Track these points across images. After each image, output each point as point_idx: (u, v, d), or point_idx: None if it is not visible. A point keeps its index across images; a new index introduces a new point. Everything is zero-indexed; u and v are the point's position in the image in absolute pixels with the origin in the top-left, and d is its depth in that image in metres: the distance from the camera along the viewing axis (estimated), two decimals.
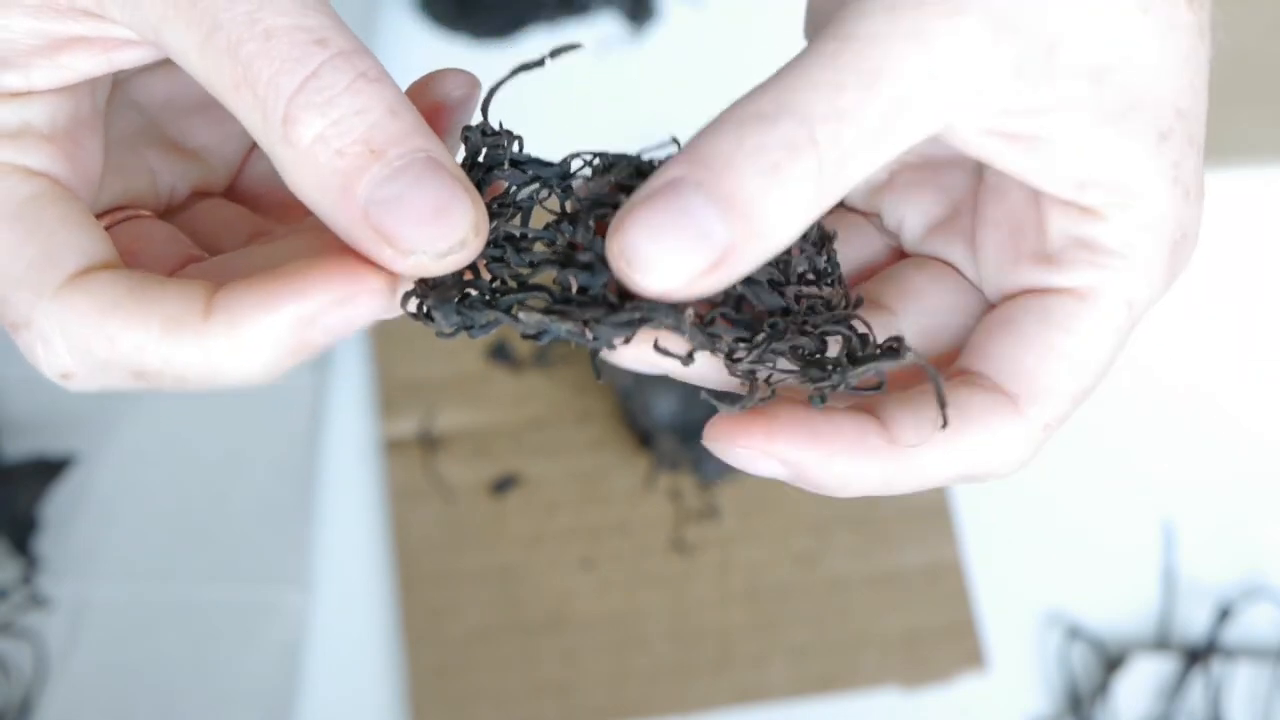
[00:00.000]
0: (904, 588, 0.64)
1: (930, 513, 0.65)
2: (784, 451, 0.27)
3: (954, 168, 0.30)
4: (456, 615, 0.63)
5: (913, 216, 0.32)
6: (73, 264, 0.26)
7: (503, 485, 0.65)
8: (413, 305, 0.27)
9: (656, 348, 0.27)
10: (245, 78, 0.25)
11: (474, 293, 0.27)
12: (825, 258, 0.30)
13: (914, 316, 0.31)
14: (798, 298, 0.29)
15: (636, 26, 0.74)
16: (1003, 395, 0.28)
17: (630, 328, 0.26)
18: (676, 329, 0.26)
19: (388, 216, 0.25)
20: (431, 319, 0.27)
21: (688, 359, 0.27)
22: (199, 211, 0.32)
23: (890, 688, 0.62)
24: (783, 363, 0.28)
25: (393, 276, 0.26)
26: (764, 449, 0.27)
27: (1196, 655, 0.62)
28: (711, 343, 0.27)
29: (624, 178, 0.28)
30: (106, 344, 0.26)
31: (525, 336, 0.27)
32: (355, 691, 0.62)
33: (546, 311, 0.26)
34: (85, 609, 0.61)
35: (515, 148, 0.29)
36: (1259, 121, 0.70)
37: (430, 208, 0.25)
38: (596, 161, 0.29)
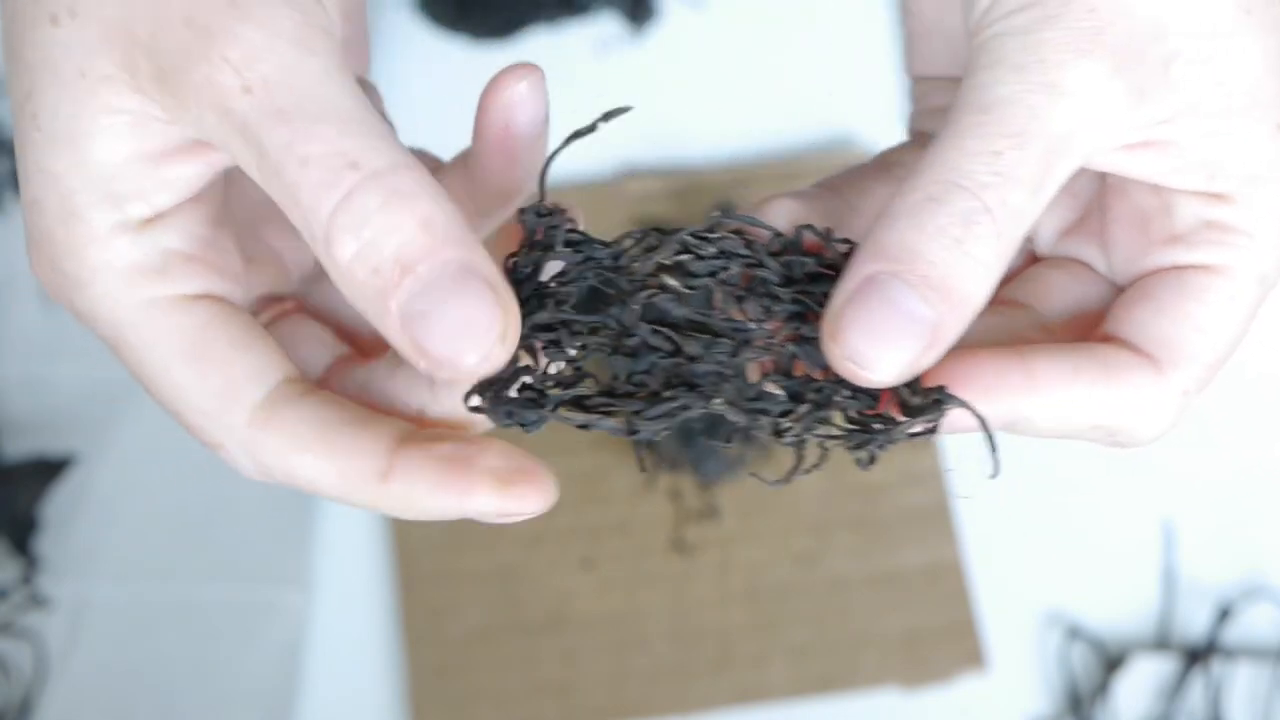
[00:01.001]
0: (904, 588, 0.64)
1: (930, 513, 0.65)
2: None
3: (1081, 174, 0.31)
4: (456, 615, 0.63)
5: (1046, 224, 0.34)
6: (256, 394, 0.29)
7: None
8: (474, 401, 0.28)
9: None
10: (292, 198, 0.26)
11: (529, 380, 0.29)
12: None
13: (1053, 307, 0.32)
14: None
15: (636, 26, 0.74)
16: (1145, 356, 0.30)
17: (671, 418, 0.27)
18: (724, 411, 0.27)
19: (419, 330, 0.26)
20: (485, 414, 0.28)
21: (732, 438, 0.28)
22: (282, 328, 0.33)
23: (890, 688, 0.62)
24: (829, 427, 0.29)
25: (546, 479, 0.29)
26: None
27: (1196, 655, 0.62)
28: (756, 420, 0.28)
29: (669, 256, 0.29)
30: (286, 475, 0.29)
31: (580, 427, 0.29)
32: (355, 691, 0.62)
33: (590, 409, 0.28)
34: (85, 609, 0.61)
35: (570, 225, 0.30)
36: None
37: (458, 320, 0.26)
38: (646, 240, 0.30)
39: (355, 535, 0.64)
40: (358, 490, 0.28)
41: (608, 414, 0.28)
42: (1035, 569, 0.64)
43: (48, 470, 0.62)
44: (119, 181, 0.27)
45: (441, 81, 0.65)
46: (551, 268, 0.29)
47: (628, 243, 0.30)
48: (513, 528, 0.65)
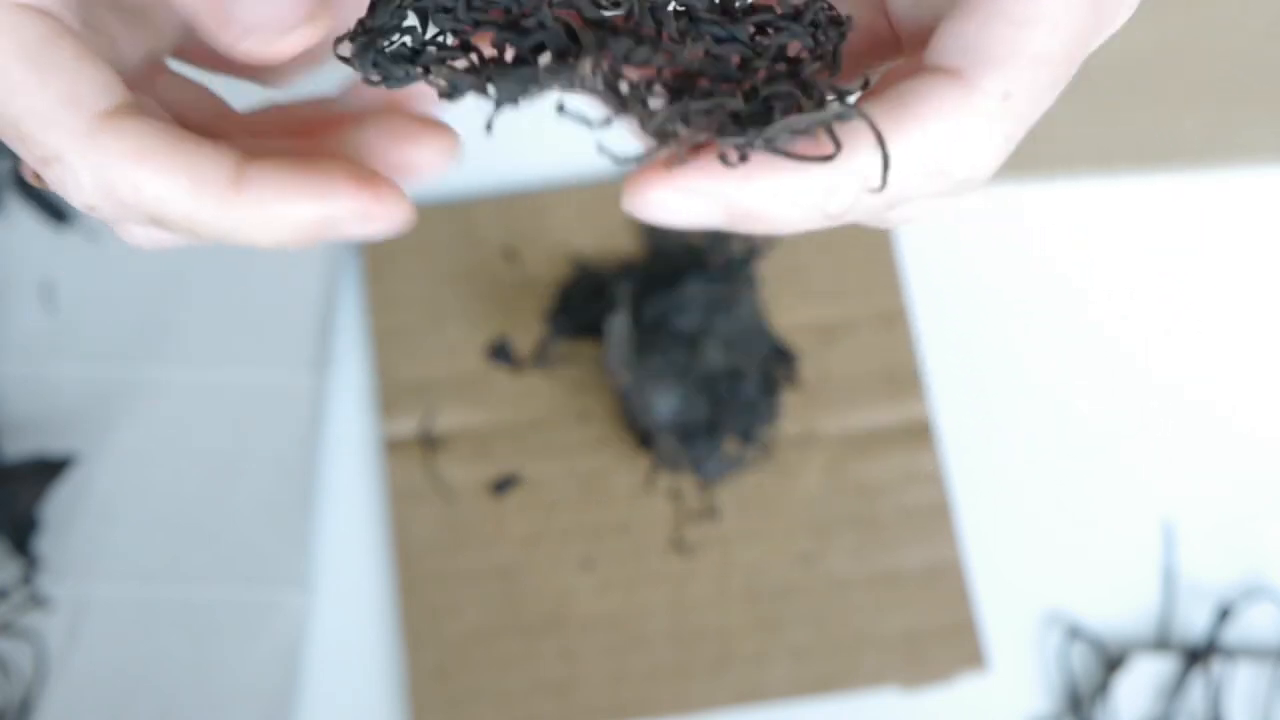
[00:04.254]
0: (904, 588, 0.64)
1: (930, 513, 0.65)
2: (699, 184, 0.25)
3: None
4: (456, 615, 0.63)
5: None
6: (101, 102, 0.26)
7: (503, 485, 0.65)
8: (344, 49, 0.26)
9: (563, 109, 0.26)
10: None
11: (408, 40, 0.26)
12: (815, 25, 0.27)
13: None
14: (755, 63, 0.26)
15: None
16: (949, 73, 0.26)
17: (534, 83, 0.25)
18: (587, 89, 0.25)
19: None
20: (351, 65, 0.26)
21: (603, 123, 0.26)
22: (163, 88, 0.31)
23: (890, 688, 0.62)
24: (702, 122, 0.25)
25: (404, 198, 0.27)
26: (677, 186, 0.25)
27: (1196, 655, 0.62)
28: (622, 104, 0.25)
29: None
30: (132, 190, 0.26)
31: (442, 96, 0.26)
32: (355, 691, 0.62)
33: (460, 70, 0.26)
34: (85, 609, 0.61)
35: None
36: (1259, 121, 0.70)
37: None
38: None
39: (355, 535, 0.64)
40: (211, 203, 0.26)
41: (473, 75, 0.25)
42: (1035, 569, 0.64)
43: (48, 470, 0.62)
44: None
45: None
46: None
47: None
48: (513, 528, 0.65)
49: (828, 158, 0.25)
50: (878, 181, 0.25)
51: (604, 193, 0.69)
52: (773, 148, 0.25)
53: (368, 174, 0.27)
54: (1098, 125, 0.69)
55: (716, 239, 0.68)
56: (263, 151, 0.27)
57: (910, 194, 0.26)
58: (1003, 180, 0.69)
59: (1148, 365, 0.68)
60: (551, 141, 0.65)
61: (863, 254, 0.69)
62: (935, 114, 0.25)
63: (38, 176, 0.28)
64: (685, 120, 0.25)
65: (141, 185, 0.26)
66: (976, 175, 0.26)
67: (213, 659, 0.61)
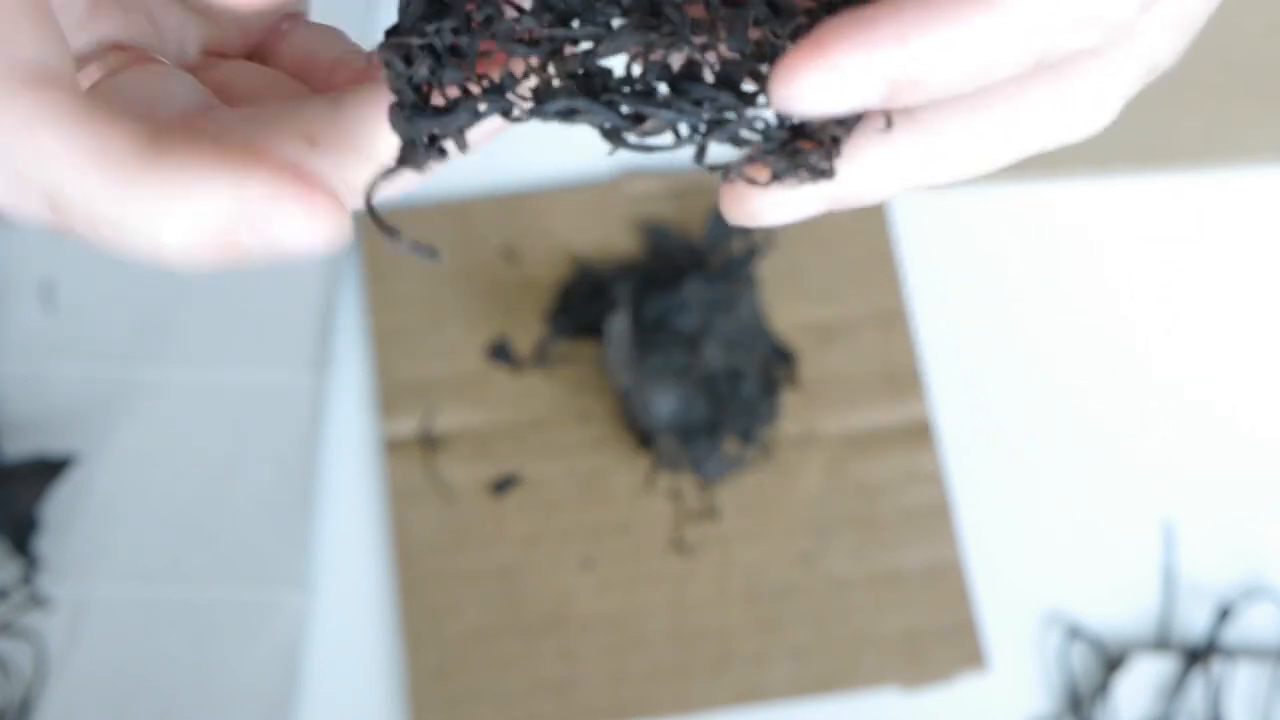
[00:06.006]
0: (904, 588, 0.64)
1: (930, 513, 0.65)
2: (854, 59, 0.22)
3: None
4: (456, 615, 0.63)
5: None
6: (27, 54, 0.24)
7: (503, 485, 0.65)
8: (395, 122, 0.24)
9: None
10: None
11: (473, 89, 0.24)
12: None
13: None
14: None
15: None
16: None
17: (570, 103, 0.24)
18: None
19: None
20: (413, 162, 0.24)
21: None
22: (222, 72, 0.29)
23: (890, 688, 0.62)
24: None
25: (342, 210, 0.24)
26: (831, 64, 0.22)
27: (1196, 655, 0.62)
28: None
29: None
30: (33, 157, 0.23)
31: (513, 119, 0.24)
32: (355, 691, 0.62)
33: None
34: (85, 609, 0.61)
35: None
36: (1259, 121, 0.70)
37: None
38: None
39: (355, 535, 0.64)
40: (109, 178, 0.23)
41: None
42: (1035, 569, 0.64)
43: (48, 470, 0.62)
44: None
45: None
46: None
47: None
48: (513, 528, 0.65)
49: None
50: (1034, 22, 0.22)
51: (604, 193, 0.69)
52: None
53: (302, 173, 0.23)
54: None
55: (717, 239, 0.68)
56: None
57: (1061, 46, 0.23)
58: (1002, 181, 0.69)
59: (1148, 365, 0.68)
60: (551, 141, 0.65)
61: (862, 254, 0.69)
62: None
63: None
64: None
65: (44, 150, 0.23)
66: (1126, 17, 0.24)
67: (213, 659, 0.61)
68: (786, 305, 0.67)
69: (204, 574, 0.62)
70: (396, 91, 0.24)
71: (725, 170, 0.25)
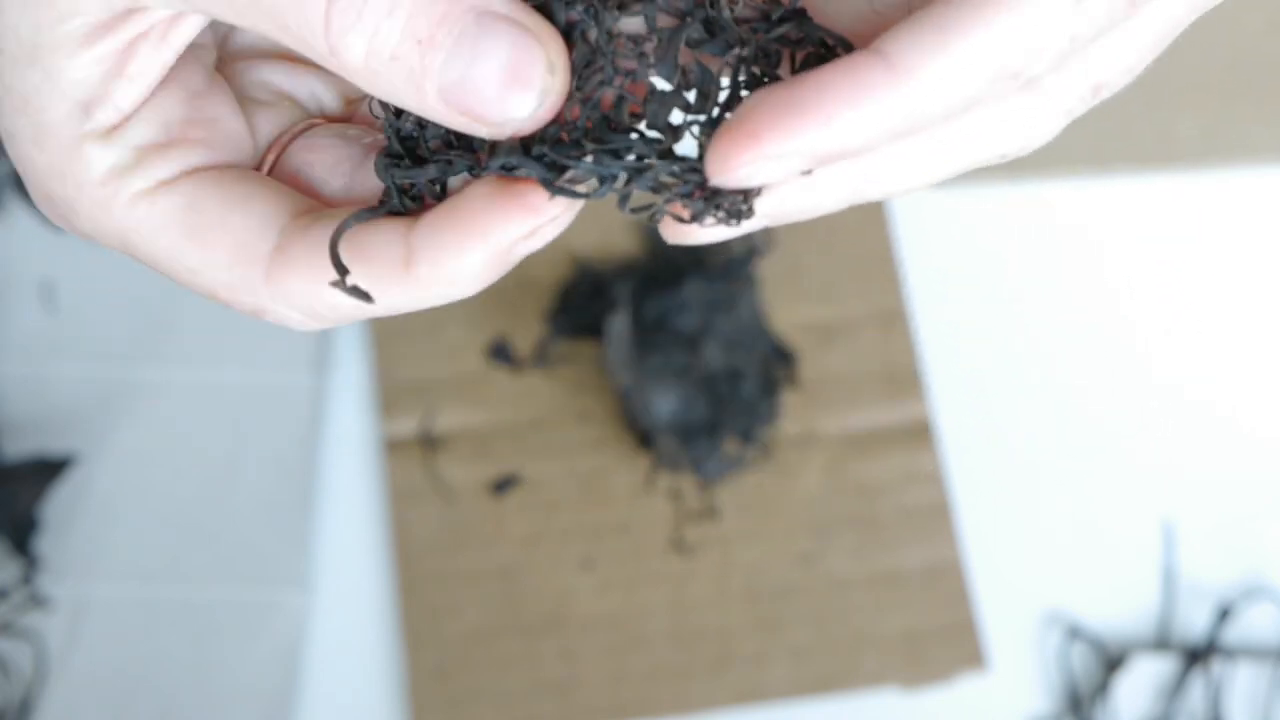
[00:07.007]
0: (904, 588, 0.64)
1: (930, 513, 0.65)
2: (783, 144, 0.24)
3: None
4: (456, 615, 0.63)
5: None
6: (264, 247, 0.27)
7: (503, 485, 0.65)
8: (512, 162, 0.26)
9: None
10: (280, 25, 0.25)
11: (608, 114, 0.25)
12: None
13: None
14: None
15: None
16: None
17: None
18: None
19: (462, 98, 0.25)
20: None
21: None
22: (293, 152, 0.31)
23: (890, 688, 0.62)
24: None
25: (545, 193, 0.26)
26: (762, 153, 0.24)
27: (1196, 655, 0.62)
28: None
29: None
30: (330, 309, 0.27)
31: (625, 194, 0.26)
32: (355, 691, 0.62)
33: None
34: (85, 609, 0.61)
35: None
36: (1259, 121, 0.70)
37: (496, 70, 0.24)
38: None
39: (355, 535, 0.64)
40: (394, 287, 0.27)
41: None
42: (1035, 569, 0.64)
43: (48, 470, 0.62)
44: (81, 89, 0.26)
45: None
46: None
47: None
48: (513, 528, 0.65)
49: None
50: (949, 90, 0.24)
51: None
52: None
53: (504, 185, 0.26)
54: (1095, 125, 0.69)
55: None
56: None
57: (978, 98, 0.24)
58: (1002, 180, 0.69)
59: (1148, 365, 0.68)
60: None
61: (862, 254, 0.69)
62: (998, 6, 0.23)
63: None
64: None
65: (336, 304, 0.27)
66: (1041, 69, 0.24)
67: (213, 659, 0.61)
68: (786, 305, 0.67)
69: (204, 574, 0.62)
70: (386, 139, 0.27)
71: (650, 214, 0.27)
